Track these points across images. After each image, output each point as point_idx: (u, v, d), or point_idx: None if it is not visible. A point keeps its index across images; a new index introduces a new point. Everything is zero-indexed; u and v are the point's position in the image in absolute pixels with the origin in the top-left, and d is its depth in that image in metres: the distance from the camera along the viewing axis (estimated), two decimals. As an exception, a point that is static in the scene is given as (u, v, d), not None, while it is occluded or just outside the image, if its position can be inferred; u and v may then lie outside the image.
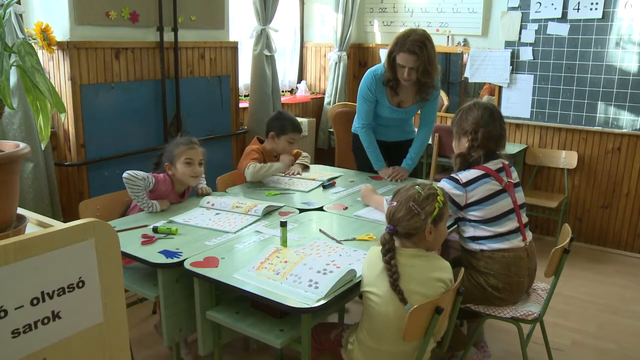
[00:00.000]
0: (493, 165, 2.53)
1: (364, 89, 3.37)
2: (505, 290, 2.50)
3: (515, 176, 2.61)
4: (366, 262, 2.06)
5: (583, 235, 4.79)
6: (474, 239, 2.53)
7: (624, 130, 4.47)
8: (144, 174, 2.67)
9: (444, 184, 2.50)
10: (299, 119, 4.91)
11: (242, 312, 2.13)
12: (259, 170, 3.21)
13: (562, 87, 4.66)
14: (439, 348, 2.23)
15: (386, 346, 2.02)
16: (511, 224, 2.51)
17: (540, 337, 2.77)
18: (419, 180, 2.17)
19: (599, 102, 4.54)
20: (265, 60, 4.49)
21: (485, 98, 5.01)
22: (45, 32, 1.51)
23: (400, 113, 3.41)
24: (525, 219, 2.59)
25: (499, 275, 2.48)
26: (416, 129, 3.63)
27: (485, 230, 2.49)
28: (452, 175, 2.53)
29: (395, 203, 2.04)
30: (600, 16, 4.40)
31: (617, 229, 4.67)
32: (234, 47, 4.21)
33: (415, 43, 3.06)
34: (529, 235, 2.60)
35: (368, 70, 3.39)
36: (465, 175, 2.49)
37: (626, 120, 4.45)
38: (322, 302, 1.86)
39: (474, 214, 2.49)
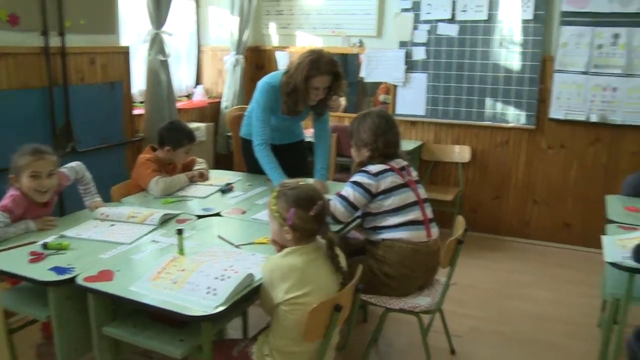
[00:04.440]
0: (396, 164, 2.70)
1: (264, 102, 3.18)
2: (396, 280, 2.62)
3: (415, 174, 2.78)
4: (279, 274, 1.96)
5: (478, 225, 5.00)
6: (376, 229, 2.67)
7: (511, 125, 4.74)
8: None
9: (358, 177, 2.65)
10: (196, 124, 4.84)
11: (140, 325, 2.06)
12: (168, 185, 3.15)
13: (453, 84, 4.88)
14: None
15: (309, 347, 2.02)
16: (414, 215, 2.65)
17: (442, 326, 2.89)
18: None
19: (487, 99, 4.78)
20: (159, 65, 4.37)
21: (381, 97, 5.16)
22: None
23: (291, 120, 3.38)
24: (429, 215, 2.73)
25: (393, 265, 2.60)
26: (305, 131, 3.66)
27: (387, 220, 2.63)
28: (363, 169, 2.68)
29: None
30: (486, 18, 4.64)
31: (507, 217, 4.95)
32: (125, 53, 4.07)
33: (330, 63, 3.04)
34: (434, 232, 2.72)
35: (263, 83, 3.22)
36: (374, 167, 2.66)
37: (512, 114, 4.72)
38: (222, 308, 1.85)
39: (382, 202, 2.62)
